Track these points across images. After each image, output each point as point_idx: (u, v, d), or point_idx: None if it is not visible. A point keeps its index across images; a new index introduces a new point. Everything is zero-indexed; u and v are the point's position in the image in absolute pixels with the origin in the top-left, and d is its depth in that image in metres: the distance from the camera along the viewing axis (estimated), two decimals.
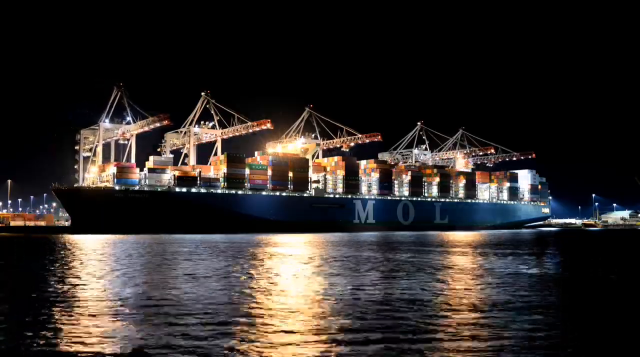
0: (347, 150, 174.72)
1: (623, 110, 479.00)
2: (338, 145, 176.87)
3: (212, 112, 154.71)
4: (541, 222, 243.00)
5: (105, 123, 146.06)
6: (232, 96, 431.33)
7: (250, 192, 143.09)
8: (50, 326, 18.52)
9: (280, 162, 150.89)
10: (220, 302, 23.05)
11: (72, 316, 20.44)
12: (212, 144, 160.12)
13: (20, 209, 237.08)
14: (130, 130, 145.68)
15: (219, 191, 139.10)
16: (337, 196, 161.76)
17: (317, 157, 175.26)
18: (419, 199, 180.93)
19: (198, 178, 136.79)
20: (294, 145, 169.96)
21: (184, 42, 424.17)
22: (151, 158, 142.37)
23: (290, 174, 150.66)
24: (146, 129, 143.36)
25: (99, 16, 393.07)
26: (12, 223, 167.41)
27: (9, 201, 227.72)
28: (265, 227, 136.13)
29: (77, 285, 29.45)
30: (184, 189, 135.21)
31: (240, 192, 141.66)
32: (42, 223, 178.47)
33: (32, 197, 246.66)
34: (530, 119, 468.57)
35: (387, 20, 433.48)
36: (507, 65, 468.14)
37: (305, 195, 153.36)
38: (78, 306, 22.44)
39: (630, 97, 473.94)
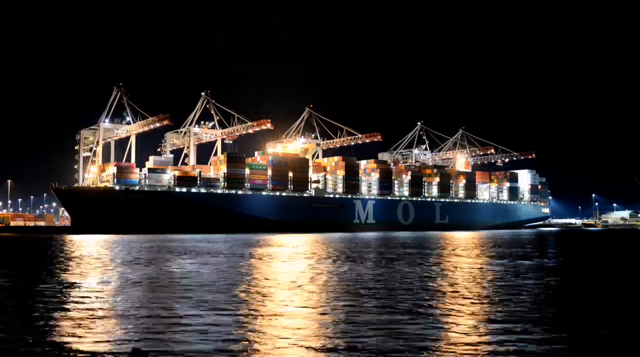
0: (345, 145, 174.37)
1: (623, 110, 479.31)
2: (338, 145, 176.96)
3: (212, 112, 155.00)
4: (541, 222, 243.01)
5: (105, 123, 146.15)
6: (232, 96, 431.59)
7: (250, 192, 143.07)
8: (51, 326, 18.52)
9: (280, 162, 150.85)
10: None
11: (72, 315, 20.44)
12: (212, 144, 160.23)
13: (20, 209, 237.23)
14: (131, 130, 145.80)
15: (219, 191, 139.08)
16: (337, 196, 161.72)
17: (317, 157, 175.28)
18: (419, 199, 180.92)
19: (198, 178, 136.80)
20: (294, 145, 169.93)
21: (184, 42, 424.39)
22: (151, 158, 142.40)
23: (290, 174, 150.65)
24: (146, 129, 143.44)
25: (99, 16, 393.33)
26: (12, 223, 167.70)
27: (9, 201, 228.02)
28: (265, 227, 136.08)
29: (77, 285, 29.47)
30: (184, 189, 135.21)
31: (240, 192, 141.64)
32: (42, 223, 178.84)
33: (32, 197, 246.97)
34: (530, 119, 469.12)
35: (387, 20, 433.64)
36: (507, 66, 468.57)
37: (305, 195, 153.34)
38: (78, 306, 22.45)
39: (630, 97, 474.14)
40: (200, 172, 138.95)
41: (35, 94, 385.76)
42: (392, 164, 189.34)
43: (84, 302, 23.43)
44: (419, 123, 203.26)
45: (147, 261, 44.06)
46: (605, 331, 18.46)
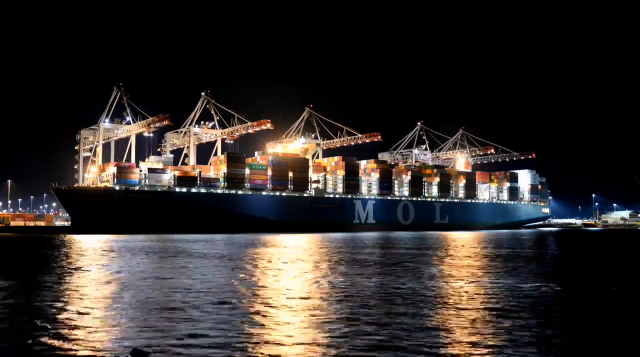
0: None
1: (623, 111, 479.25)
2: (338, 145, 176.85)
3: (212, 112, 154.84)
4: (541, 222, 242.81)
5: (105, 123, 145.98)
6: (232, 96, 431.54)
7: (250, 192, 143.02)
8: (51, 326, 18.52)
9: (280, 162, 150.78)
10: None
11: (72, 315, 20.45)
12: (212, 144, 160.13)
13: (20, 209, 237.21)
14: (131, 130, 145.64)
15: (219, 191, 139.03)
16: (337, 196, 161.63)
17: (317, 157, 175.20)
18: (419, 199, 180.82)
19: (198, 178, 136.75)
20: (294, 145, 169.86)
21: (184, 42, 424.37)
22: (151, 158, 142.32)
23: (290, 174, 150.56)
24: (146, 129, 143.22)
25: (99, 16, 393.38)
26: (12, 223, 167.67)
27: (9, 201, 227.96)
28: (265, 227, 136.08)
29: (77, 284, 29.47)
30: (184, 189, 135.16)
31: (240, 192, 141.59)
32: (42, 223, 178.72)
33: (32, 197, 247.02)
34: (530, 119, 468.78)
35: (388, 20, 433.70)
36: (507, 65, 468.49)
37: (305, 195, 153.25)
38: (78, 306, 22.45)
39: (630, 98, 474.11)
40: (200, 172, 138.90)
41: (35, 94, 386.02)
42: (392, 164, 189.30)
43: (84, 302, 23.43)
44: (419, 123, 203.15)
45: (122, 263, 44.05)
46: (605, 331, 18.46)
